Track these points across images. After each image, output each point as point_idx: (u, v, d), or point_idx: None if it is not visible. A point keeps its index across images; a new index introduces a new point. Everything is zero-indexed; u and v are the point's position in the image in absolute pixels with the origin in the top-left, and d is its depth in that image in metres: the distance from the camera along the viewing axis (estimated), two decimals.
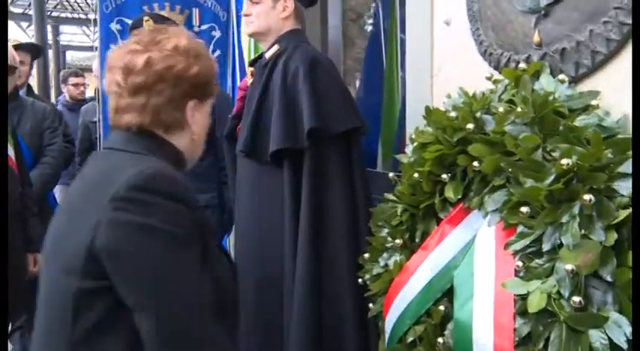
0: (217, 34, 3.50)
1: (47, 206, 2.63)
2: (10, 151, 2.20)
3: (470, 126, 1.48)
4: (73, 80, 5.01)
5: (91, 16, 13.02)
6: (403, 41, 3.73)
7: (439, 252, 1.63)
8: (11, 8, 10.98)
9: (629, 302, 1.12)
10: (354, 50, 4.91)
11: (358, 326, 1.94)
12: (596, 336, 1.13)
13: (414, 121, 2.17)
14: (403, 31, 3.67)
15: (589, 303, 1.17)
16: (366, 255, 1.87)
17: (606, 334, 1.12)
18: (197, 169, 2.60)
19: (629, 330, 1.10)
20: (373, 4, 4.81)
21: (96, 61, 3.61)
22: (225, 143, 2.35)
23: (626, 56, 1.34)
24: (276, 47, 2.06)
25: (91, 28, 13.98)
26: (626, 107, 1.32)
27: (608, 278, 1.15)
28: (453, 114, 1.58)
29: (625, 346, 1.09)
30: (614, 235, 1.15)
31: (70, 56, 15.73)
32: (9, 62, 2.32)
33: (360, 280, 1.92)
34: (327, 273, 1.93)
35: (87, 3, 12.74)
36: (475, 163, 1.46)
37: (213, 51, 3.47)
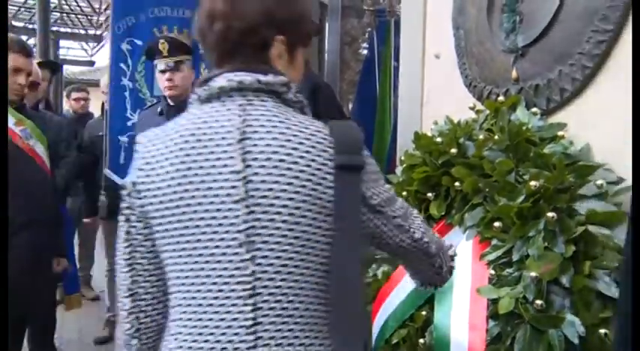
0: None
1: (61, 216, 2.76)
2: (45, 158, 2.39)
3: (453, 150, 1.67)
4: (75, 95, 5.19)
5: (91, 31, 13.29)
6: (396, 68, 3.96)
7: None
8: (13, 22, 11.17)
9: (584, 306, 1.30)
10: (349, 73, 5.12)
11: None
12: (554, 334, 1.31)
13: (405, 145, 2.36)
14: (397, 58, 3.90)
15: (550, 306, 1.35)
16: None
17: (563, 333, 1.30)
18: None
19: (581, 329, 1.27)
20: (368, 29, 5.03)
21: (105, 78, 3.78)
22: None
23: (590, 93, 1.54)
24: None
25: (90, 44, 14.26)
26: (588, 138, 1.51)
27: (567, 285, 1.33)
28: (439, 139, 1.76)
29: (577, 341, 1.27)
30: (572, 248, 1.34)
31: (65, 70, 15.92)
32: (33, 78, 2.49)
33: None
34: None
35: (87, 19, 12.99)
36: (457, 184, 1.64)
37: None
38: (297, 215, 0.95)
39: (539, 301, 1.33)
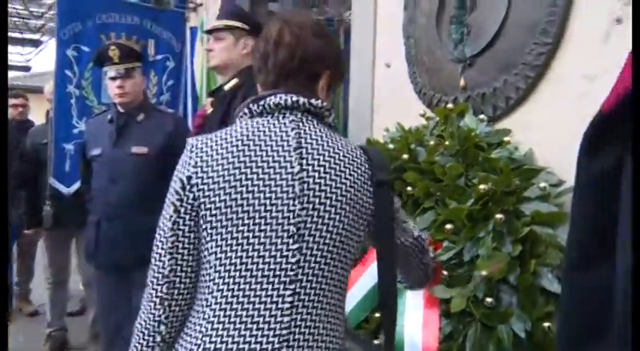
0: (171, 64, 3.66)
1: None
2: None
3: (405, 156, 1.73)
4: (12, 101, 4.94)
5: (28, 35, 12.85)
6: (345, 79, 4.03)
7: (375, 267, 1.85)
8: None
9: (529, 302, 1.37)
10: None
11: None
12: (503, 330, 1.37)
13: None
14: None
15: (498, 304, 1.41)
16: None
17: (511, 328, 1.36)
18: (151, 192, 2.74)
19: (528, 324, 1.34)
20: None
21: (49, 84, 3.69)
22: None
23: (532, 101, 1.62)
24: (235, 80, 2.26)
25: (26, 48, 13.77)
26: (531, 143, 1.59)
27: (514, 283, 1.40)
28: (391, 146, 1.82)
29: (524, 335, 1.33)
30: (519, 248, 1.41)
31: None
32: None
33: None
34: None
35: (24, 22, 12.55)
36: (409, 188, 1.70)
37: (167, 80, 3.63)
38: (342, 216, 1.13)
39: (489, 299, 1.39)
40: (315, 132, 1.16)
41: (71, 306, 4.45)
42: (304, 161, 1.12)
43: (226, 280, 1.10)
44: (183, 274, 1.14)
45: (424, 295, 1.60)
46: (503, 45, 1.66)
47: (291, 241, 1.10)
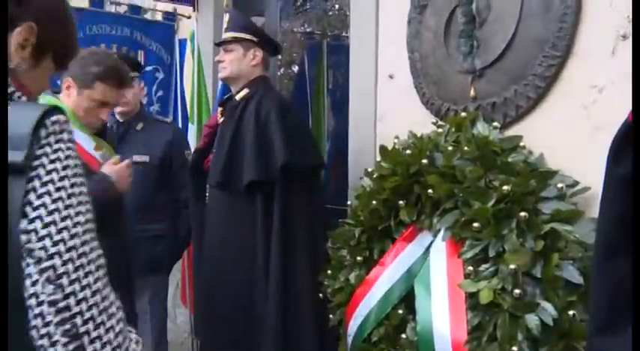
0: (161, 75, 3.70)
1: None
2: None
3: (424, 161, 1.84)
4: None
5: None
6: (330, 90, 4.16)
7: (395, 265, 1.96)
8: None
9: (553, 292, 1.50)
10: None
11: (318, 334, 2.20)
12: (530, 319, 1.50)
13: (359, 158, 2.52)
14: (327, 79, 4.11)
15: (524, 294, 1.54)
16: (328, 272, 2.16)
17: (538, 317, 1.49)
18: (150, 201, 2.78)
19: (554, 312, 1.47)
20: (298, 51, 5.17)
21: None
22: (190, 175, 2.56)
23: (542, 109, 1.77)
24: (246, 91, 2.34)
25: None
26: (541, 148, 1.74)
27: (538, 275, 1.52)
28: (407, 151, 1.93)
29: (552, 324, 1.46)
30: (541, 243, 1.54)
31: None
32: None
33: (320, 294, 2.20)
34: (294, 289, 2.19)
35: None
36: (430, 191, 1.81)
37: (157, 91, 3.67)
38: None
39: (517, 290, 1.52)
40: None
41: None
42: None
43: None
44: None
45: (448, 289, 1.72)
46: (513, 57, 1.80)
47: None
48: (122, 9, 4.08)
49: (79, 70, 1.96)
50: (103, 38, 3.45)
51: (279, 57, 4.80)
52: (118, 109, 2.81)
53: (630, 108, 1.13)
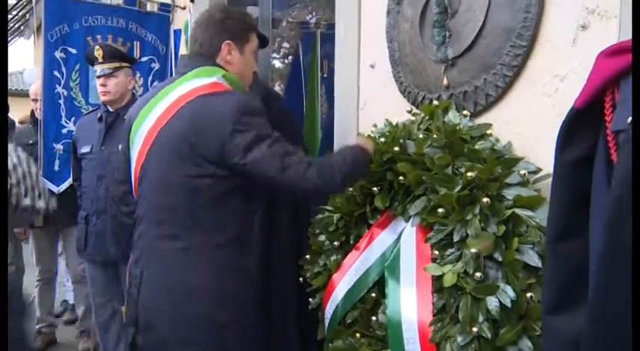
0: (156, 66, 3.76)
1: None
2: None
3: (396, 148, 1.89)
4: None
5: None
6: (324, 78, 4.20)
7: (370, 251, 2.01)
8: None
9: (513, 275, 1.55)
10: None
11: (299, 319, 2.27)
12: (490, 301, 1.55)
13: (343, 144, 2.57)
14: (321, 68, 4.15)
15: (486, 278, 1.59)
16: (307, 256, 2.22)
17: (498, 299, 1.54)
18: None
19: (512, 295, 1.52)
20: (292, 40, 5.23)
21: (35, 85, 3.74)
22: None
23: (510, 98, 1.80)
24: None
25: None
26: (508, 136, 1.78)
27: (499, 259, 1.57)
28: (382, 139, 1.98)
29: (510, 305, 1.51)
30: (503, 228, 1.58)
31: None
32: None
33: (300, 278, 2.26)
34: (277, 273, 2.25)
35: None
36: (400, 178, 1.86)
37: (152, 81, 3.73)
38: None
39: (478, 274, 1.57)
40: None
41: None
42: None
43: None
44: None
45: (416, 273, 1.78)
46: (483, 47, 1.84)
47: None
48: (118, 0, 4.13)
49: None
50: (99, 29, 3.52)
51: (275, 46, 4.84)
52: (102, 98, 2.91)
53: (578, 94, 1.17)
